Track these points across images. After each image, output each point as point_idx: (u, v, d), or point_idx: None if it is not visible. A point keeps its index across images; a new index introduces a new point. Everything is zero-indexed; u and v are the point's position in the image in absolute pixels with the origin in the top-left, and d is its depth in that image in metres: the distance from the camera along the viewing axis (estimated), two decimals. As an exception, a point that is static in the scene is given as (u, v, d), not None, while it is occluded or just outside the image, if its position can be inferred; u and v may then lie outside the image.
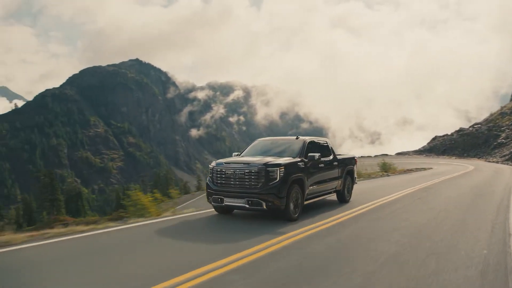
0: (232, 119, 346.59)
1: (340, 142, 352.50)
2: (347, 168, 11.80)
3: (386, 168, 30.06)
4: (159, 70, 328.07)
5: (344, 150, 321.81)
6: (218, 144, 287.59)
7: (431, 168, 35.25)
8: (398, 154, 70.96)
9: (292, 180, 8.61)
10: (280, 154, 9.61)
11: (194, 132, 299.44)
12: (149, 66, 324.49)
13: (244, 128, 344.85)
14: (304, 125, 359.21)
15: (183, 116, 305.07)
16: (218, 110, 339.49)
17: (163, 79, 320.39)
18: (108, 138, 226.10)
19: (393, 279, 4.93)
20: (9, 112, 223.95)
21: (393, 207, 11.32)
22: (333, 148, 11.41)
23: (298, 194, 8.90)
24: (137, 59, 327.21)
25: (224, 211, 9.76)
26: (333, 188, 11.13)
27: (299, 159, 9.22)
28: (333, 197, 11.81)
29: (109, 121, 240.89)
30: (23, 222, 66.95)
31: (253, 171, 8.43)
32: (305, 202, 9.39)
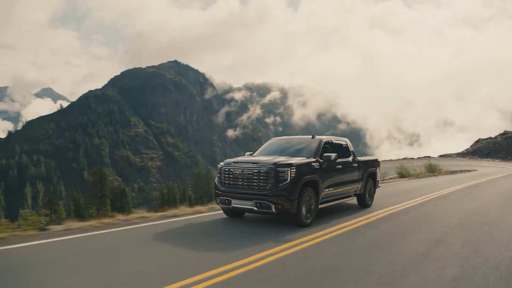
0: (269, 119, 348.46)
1: (378, 144, 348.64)
2: (368, 171, 11.13)
3: (432, 169, 31.21)
4: (197, 71, 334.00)
5: (382, 151, 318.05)
6: (254, 145, 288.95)
7: (476, 170, 35.68)
8: (441, 156, 70.23)
9: (304, 182, 8.05)
10: (294, 154, 9.12)
11: (230, 133, 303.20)
12: (187, 68, 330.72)
13: (280, 129, 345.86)
14: (342, 126, 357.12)
15: (220, 117, 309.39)
16: (255, 110, 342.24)
17: (201, 80, 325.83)
18: (147, 138, 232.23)
19: (460, 235, 7.60)
20: (55, 112, 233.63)
21: (448, 198, 13.69)
22: (353, 149, 10.85)
23: (311, 197, 8.31)
24: (175, 61, 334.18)
25: (234, 214, 9.23)
26: (352, 192, 10.46)
27: (313, 160, 8.65)
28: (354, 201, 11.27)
29: (148, 122, 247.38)
30: (74, 216, 70.54)
31: (262, 171, 7.92)
32: (320, 206, 8.77)
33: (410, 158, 62.31)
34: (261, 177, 7.89)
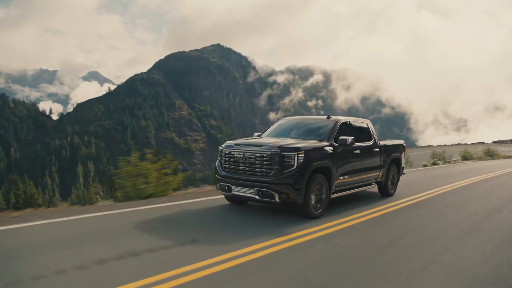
0: (311, 103, 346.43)
1: (423, 129, 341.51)
2: (392, 156, 10.12)
3: (490, 153, 33.88)
4: (239, 55, 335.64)
5: (427, 137, 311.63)
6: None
7: (532, 155, 37.25)
8: (495, 142, 69.21)
9: (314, 168, 7.14)
10: (306, 136, 8.30)
11: (272, 116, 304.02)
12: (230, 51, 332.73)
13: (322, 112, 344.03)
14: (386, 110, 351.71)
15: (262, 100, 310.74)
16: (297, 94, 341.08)
17: (244, 64, 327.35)
18: (191, 121, 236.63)
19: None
20: (103, 95, 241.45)
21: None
22: (375, 132, 9.76)
23: (322, 185, 7.43)
24: (218, 44, 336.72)
25: (236, 201, 8.42)
26: (371, 180, 9.50)
27: (326, 143, 7.72)
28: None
29: (192, 104, 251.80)
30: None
31: (265, 155, 7.01)
32: (333, 196, 7.87)
33: (464, 143, 62.24)
34: (264, 162, 7.02)
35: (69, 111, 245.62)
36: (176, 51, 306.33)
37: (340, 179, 7.99)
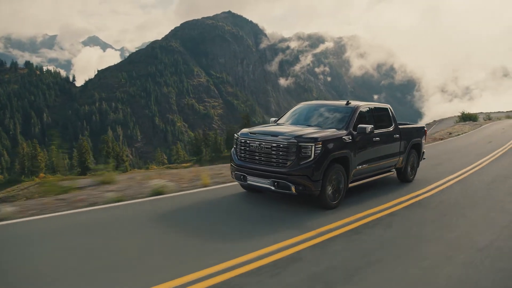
0: (318, 69, 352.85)
1: (430, 95, 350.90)
2: (412, 142, 9.87)
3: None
4: (251, 22, 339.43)
5: (432, 104, 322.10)
6: (306, 95, 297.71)
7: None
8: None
9: (332, 158, 6.87)
10: (323, 124, 7.99)
11: (282, 81, 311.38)
12: (241, 18, 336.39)
13: (329, 79, 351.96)
14: (398, 76, 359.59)
15: (273, 66, 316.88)
16: (306, 60, 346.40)
17: (255, 31, 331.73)
18: (209, 88, 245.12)
19: None
20: (124, 62, 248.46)
21: None
22: (395, 117, 9.39)
23: (339, 176, 7.17)
24: (229, 11, 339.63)
25: (252, 189, 8.06)
26: (390, 166, 9.25)
27: (345, 132, 7.41)
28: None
29: (209, 71, 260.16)
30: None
31: (281, 146, 6.76)
32: (351, 185, 7.68)
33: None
34: (281, 153, 6.80)
35: (70, 76, 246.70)
36: (188, 19, 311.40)
37: (358, 168, 7.80)
